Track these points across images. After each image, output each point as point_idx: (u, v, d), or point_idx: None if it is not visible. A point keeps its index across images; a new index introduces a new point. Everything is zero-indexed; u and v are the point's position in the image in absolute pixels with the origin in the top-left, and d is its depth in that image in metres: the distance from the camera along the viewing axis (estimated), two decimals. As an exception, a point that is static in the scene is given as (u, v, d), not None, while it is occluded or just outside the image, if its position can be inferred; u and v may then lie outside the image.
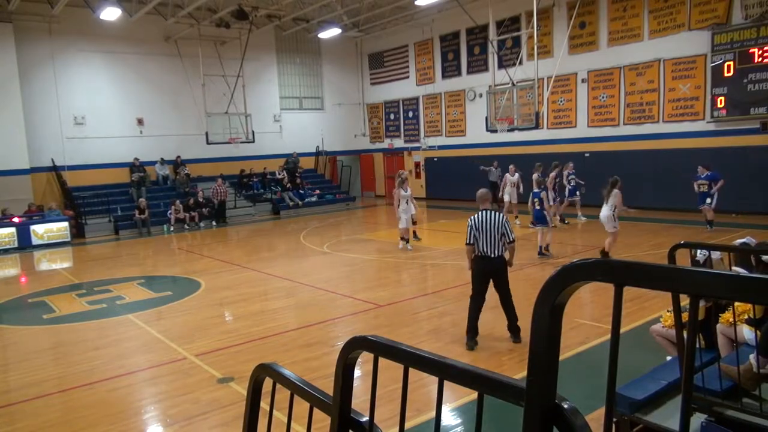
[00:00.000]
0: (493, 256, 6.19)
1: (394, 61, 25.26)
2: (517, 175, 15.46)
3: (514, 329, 6.43)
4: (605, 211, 10.50)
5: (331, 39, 24.08)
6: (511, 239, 6.22)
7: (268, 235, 17.52)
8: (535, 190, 11.35)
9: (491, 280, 6.35)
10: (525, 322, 6.39)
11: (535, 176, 12.38)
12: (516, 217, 15.48)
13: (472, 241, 6.24)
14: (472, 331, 6.37)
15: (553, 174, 14.19)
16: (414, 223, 13.24)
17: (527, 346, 0.97)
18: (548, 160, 19.27)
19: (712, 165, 13.31)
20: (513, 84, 16.17)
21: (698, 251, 4.55)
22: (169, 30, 20.67)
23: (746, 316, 4.04)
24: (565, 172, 15.48)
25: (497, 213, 6.30)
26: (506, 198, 15.53)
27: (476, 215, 6.28)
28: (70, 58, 19.36)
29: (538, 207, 11.07)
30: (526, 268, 10.45)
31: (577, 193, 15.54)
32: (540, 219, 11.08)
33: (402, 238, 12.77)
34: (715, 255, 4.65)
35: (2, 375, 6.43)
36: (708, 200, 12.82)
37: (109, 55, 20.09)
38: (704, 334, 4.14)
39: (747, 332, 3.96)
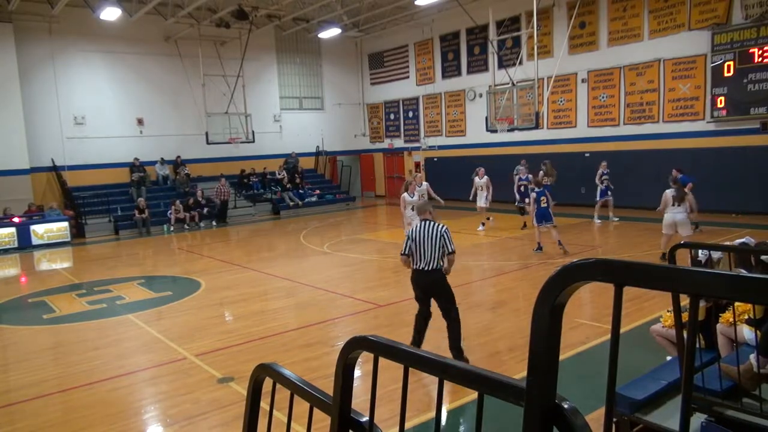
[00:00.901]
0: (429, 269, 5.82)
1: (394, 61, 25.26)
2: (486, 178, 14.93)
3: (454, 348, 5.85)
4: (682, 214, 10.07)
5: (331, 39, 24.08)
6: (451, 250, 5.90)
7: (268, 235, 17.52)
8: (538, 189, 11.51)
9: (431, 295, 5.99)
10: (525, 322, 6.39)
11: (540, 174, 12.80)
12: (489, 218, 15.37)
13: (406, 252, 5.86)
14: (416, 345, 5.96)
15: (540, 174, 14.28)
16: None
17: (527, 346, 0.97)
18: (547, 161, 19.33)
19: (683, 168, 13.38)
20: (513, 84, 16.17)
21: (699, 251, 4.55)
22: (169, 30, 20.67)
23: (746, 316, 4.04)
24: (599, 171, 15.11)
25: (437, 224, 5.95)
26: (480, 203, 15.01)
27: (414, 226, 5.98)
28: (70, 58, 19.36)
29: (544, 205, 11.25)
30: (526, 268, 10.45)
31: (609, 193, 14.96)
32: (546, 217, 11.26)
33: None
34: (716, 255, 4.65)
35: (2, 375, 6.43)
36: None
37: (109, 55, 20.09)
38: (704, 334, 4.14)
39: (747, 332, 3.96)
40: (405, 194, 11.79)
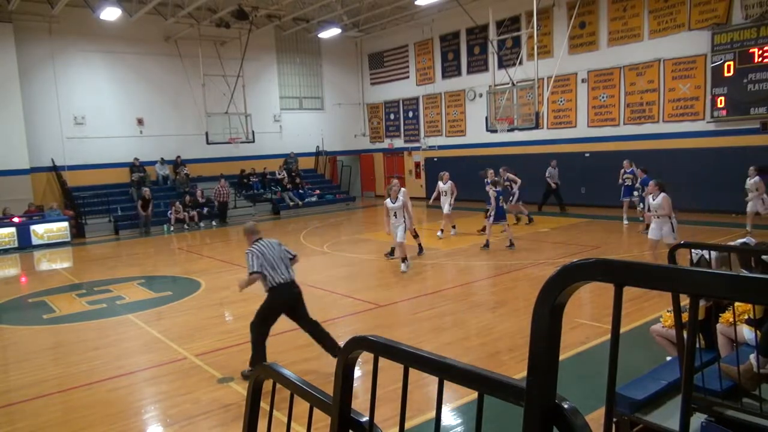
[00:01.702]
0: (290, 281, 5.92)
1: (394, 61, 25.26)
2: (450, 183, 14.17)
3: (336, 348, 5.94)
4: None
5: (331, 39, 24.08)
6: (293, 254, 6.11)
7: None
8: (498, 189, 12.27)
9: (288, 310, 6.00)
10: (525, 322, 6.39)
11: (497, 176, 13.39)
12: (453, 226, 14.63)
13: (258, 270, 5.78)
14: (263, 360, 5.85)
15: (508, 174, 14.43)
16: (415, 236, 12.08)
17: (527, 346, 0.97)
18: (548, 161, 19.36)
19: (648, 169, 13.46)
20: (513, 84, 16.18)
21: (692, 251, 4.53)
22: (169, 30, 20.67)
23: (746, 317, 4.04)
24: (621, 171, 14.66)
25: (270, 239, 6.09)
26: (446, 210, 14.15)
27: (255, 247, 5.92)
28: (70, 58, 19.36)
29: (502, 204, 12.25)
30: (526, 268, 10.45)
31: (635, 193, 14.19)
32: (503, 216, 12.30)
33: (403, 259, 10.72)
34: (713, 254, 4.63)
35: (2, 375, 6.43)
36: (641, 204, 12.88)
37: (109, 55, 20.09)
38: (704, 334, 4.13)
39: (747, 332, 3.96)
40: (387, 200, 11.26)
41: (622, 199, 14.64)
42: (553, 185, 17.46)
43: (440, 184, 14.34)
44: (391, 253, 11.80)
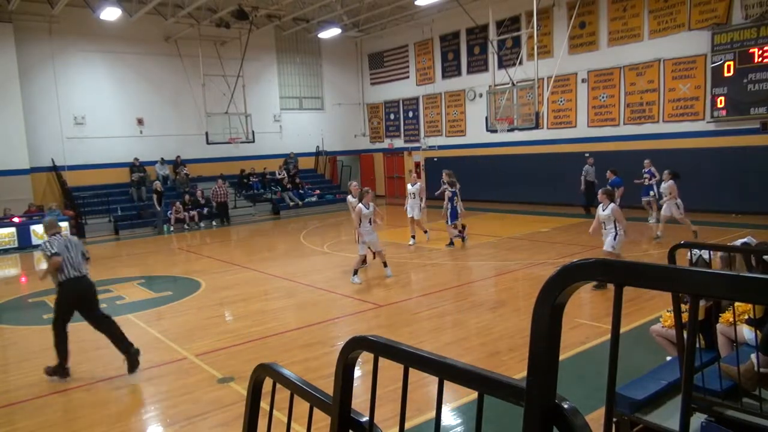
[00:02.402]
0: (81, 275, 6.03)
1: (394, 61, 25.26)
2: (418, 184, 13.55)
3: (130, 346, 6.05)
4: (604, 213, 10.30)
5: (331, 39, 24.08)
6: (88, 256, 6.26)
7: (268, 235, 17.52)
8: (453, 189, 12.69)
9: (81, 304, 6.04)
10: (525, 322, 6.40)
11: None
12: (425, 231, 13.81)
13: (58, 251, 5.85)
14: (66, 361, 6.02)
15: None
16: (376, 255, 10.47)
17: (527, 346, 0.97)
18: (548, 160, 19.37)
19: (618, 171, 13.41)
20: (513, 84, 16.17)
21: (691, 250, 4.52)
22: (169, 30, 20.67)
23: (746, 317, 4.04)
24: (644, 170, 14.40)
25: (70, 236, 6.25)
26: (410, 213, 13.23)
27: (54, 239, 6.00)
28: (70, 58, 19.36)
29: (456, 204, 12.70)
30: (526, 268, 10.45)
31: (652, 192, 14.10)
32: (456, 215, 12.78)
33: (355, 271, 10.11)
34: (719, 255, 4.63)
35: (2, 375, 6.43)
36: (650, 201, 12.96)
37: (109, 55, 20.09)
38: (704, 334, 4.14)
39: (747, 332, 3.96)
40: (360, 205, 10.02)
41: (644, 198, 14.45)
42: (590, 183, 16.35)
43: (408, 186, 13.54)
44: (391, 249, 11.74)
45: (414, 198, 13.22)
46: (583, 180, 16.81)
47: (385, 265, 10.24)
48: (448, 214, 12.71)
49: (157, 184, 18.60)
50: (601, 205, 8.62)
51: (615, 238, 8.40)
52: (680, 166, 14.83)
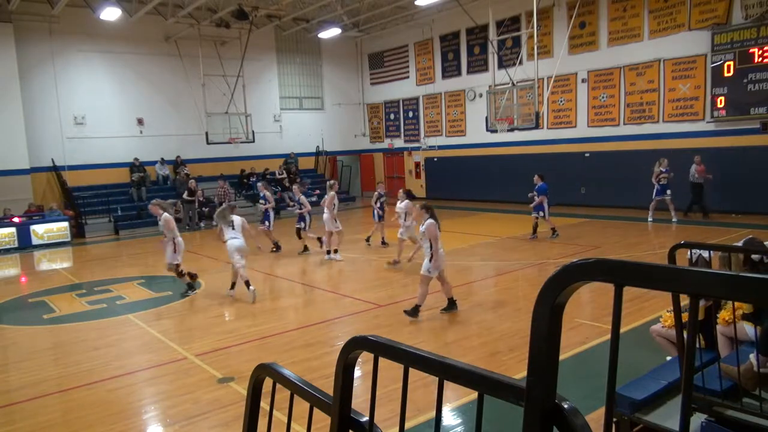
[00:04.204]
0: None
1: (394, 61, 25.26)
2: (406, 202, 11.15)
3: None
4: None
5: (331, 39, 24.08)
6: None
7: (268, 235, 17.47)
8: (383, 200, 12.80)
9: None
10: (525, 322, 6.39)
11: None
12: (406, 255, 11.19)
13: None
14: None
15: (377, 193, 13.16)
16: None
17: (527, 346, 0.97)
18: (548, 160, 19.36)
19: (545, 176, 13.31)
20: (513, 84, 16.17)
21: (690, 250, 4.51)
22: (169, 30, 20.67)
23: (742, 313, 4.04)
24: (657, 169, 14.31)
25: None
26: (401, 233, 11.23)
27: None
28: (70, 58, 19.36)
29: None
30: (526, 268, 10.45)
31: (668, 192, 14.14)
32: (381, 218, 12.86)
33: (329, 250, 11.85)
34: (704, 254, 4.61)
35: (2, 375, 6.43)
36: (540, 212, 12.90)
37: (109, 55, 20.09)
38: (704, 334, 4.14)
39: (748, 328, 3.96)
40: (326, 215, 11.76)
41: (655, 198, 14.42)
42: (695, 185, 14.92)
43: (333, 195, 12.21)
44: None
45: (404, 219, 11.19)
46: (696, 181, 14.96)
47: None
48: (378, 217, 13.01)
49: (193, 183, 18.93)
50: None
51: (431, 261, 7.33)
52: (680, 167, 14.90)
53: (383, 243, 13.24)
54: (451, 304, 7.78)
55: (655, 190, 14.43)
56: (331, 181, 12.78)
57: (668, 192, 14.24)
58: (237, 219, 9.34)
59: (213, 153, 21.83)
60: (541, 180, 12.94)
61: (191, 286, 9.73)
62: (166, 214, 9.35)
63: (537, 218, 13.01)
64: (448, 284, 7.82)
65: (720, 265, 4.48)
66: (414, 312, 7.54)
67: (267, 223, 13.16)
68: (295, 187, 13.62)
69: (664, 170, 14.27)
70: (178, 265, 9.54)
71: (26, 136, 18.24)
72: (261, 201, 13.52)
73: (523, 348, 6.19)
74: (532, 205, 13.05)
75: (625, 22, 17.20)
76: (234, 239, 9.06)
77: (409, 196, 11.65)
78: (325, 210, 11.99)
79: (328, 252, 12.03)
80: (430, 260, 7.37)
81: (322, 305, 8.70)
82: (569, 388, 4.81)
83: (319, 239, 12.75)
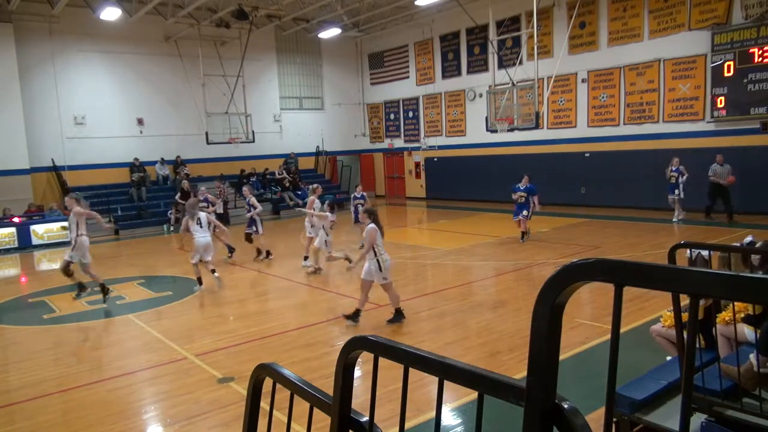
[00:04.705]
0: None
1: (394, 61, 25.26)
2: (318, 205, 11.14)
3: None
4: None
5: (331, 39, 24.08)
6: None
7: (268, 235, 17.45)
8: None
9: None
10: (525, 322, 6.39)
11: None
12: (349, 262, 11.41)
13: None
14: None
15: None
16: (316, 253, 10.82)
17: (527, 346, 0.97)
18: (548, 160, 19.36)
19: (533, 176, 13.22)
20: (513, 84, 16.17)
21: (687, 250, 4.51)
22: (169, 30, 20.67)
23: (743, 315, 4.04)
24: (669, 168, 14.35)
25: None
26: (318, 243, 10.84)
27: None
28: (70, 58, 19.36)
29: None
30: (526, 268, 10.45)
31: (676, 191, 14.21)
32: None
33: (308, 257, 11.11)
34: (704, 254, 4.61)
35: (2, 375, 6.43)
36: (524, 212, 12.68)
37: (109, 55, 20.10)
38: (704, 334, 4.14)
39: (747, 331, 3.96)
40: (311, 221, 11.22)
41: (671, 196, 14.44)
42: (722, 184, 14.16)
43: (313, 199, 11.28)
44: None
45: (310, 220, 11.25)
46: (716, 180, 14.25)
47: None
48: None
49: (227, 186, 18.86)
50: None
51: (380, 267, 7.11)
52: (531, 173, 14.64)
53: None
54: (398, 315, 7.38)
55: (670, 188, 14.52)
56: (314, 185, 11.88)
57: (676, 192, 14.28)
58: (203, 215, 9.70)
59: (213, 153, 21.83)
60: (530, 181, 12.84)
61: (82, 287, 9.46)
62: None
63: (521, 220, 12.78)
64: (396, 294, 7.44)
65: (720, 265, 4.48)
66: (354, 317, 7.32)
67: (254, 228, 12.29)
68: (245, 188, 13.08)
69: (674, 170, 14.32)
70: (69, 263, 9.25)
71: (26, 136, 18.25)
72: (247, 206, 12.66)
73: (523, 348, 6.19)
74: (518, 203, 12.80)
75: (625, 22, 17.20)
76: (202, 237, 9.57)
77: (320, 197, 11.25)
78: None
79: (305, 258, 11.49)
80: (380, 268, 7.13)
81: (322, 305, 8.70)
82: (569, 388, 4.82)
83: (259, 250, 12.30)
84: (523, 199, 12.68)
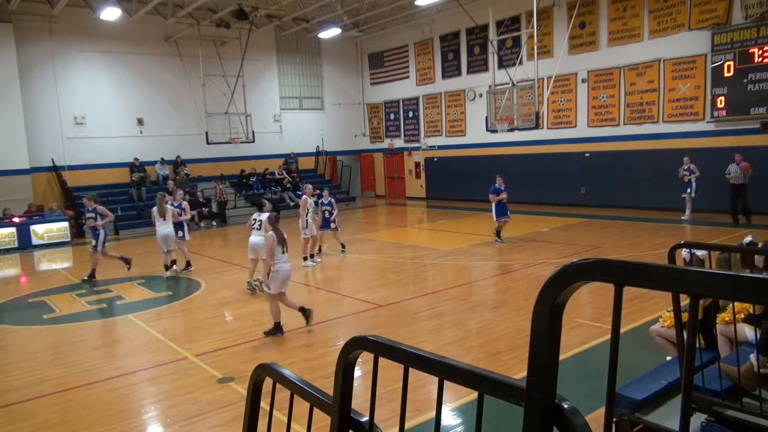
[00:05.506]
0: None
1: (394, 61, 25.26)
2: (312, 200, 11.78)
3: None
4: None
5: (331, 39, 24.08)
6: None
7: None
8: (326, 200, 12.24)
9: None
10: (525, 322, 6.39)
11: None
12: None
13: None
14: None
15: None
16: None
17: (527, 346, 0.97)
18: (548, 160, 19.37)
19: (506, 177, 13.28)
20: (513, 84, 16.17)
21: (683, 251, 4.51)
22: (169, 30, 20.67)
23: (743, 315, 4.04)
24: (680, 168, 14.52)
25: None
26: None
27: None
28: (70, 58, 19.36)
29: (327, 216, 12.15)
30: (526, 268, 10.45)
31: (688, 190, 14.42)
32: (328, 224, 12.21)
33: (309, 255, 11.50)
34: (700, 253, 4.61)
35: (2, 375, 6.43)
36: (508, 212, 12.99)
37: (109, 55, 20.09)
38: (704, 334, 4.14)
39: (748, 332, 3.96)
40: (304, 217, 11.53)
41: (684, 195, 14.65)
42: (737, 186, 13.82)
43: (306, 198, 11.69)
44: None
45: (308, 214, 11.57)
46: (734, 182, 13.84)
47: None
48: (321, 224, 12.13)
49: (171, 183, 18.42)
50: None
51: (269, 275, 7.01)
52: (680, 167, 14.89)
53: (319, 250, 12.44)
54: (276, 329, 7.07)
55: (683, 186, 14.72)
56: (308, 186, 12.15)
57: (688, 190, 14.53)
58: (169, 208, 10.78)
59: (213, 153, 21.83)
60: (504, 183, 12.94)
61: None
62: None
63: (505, 220, 12.97)
64: (277, 309, 7.10)
65: (718, 265, 4.48)
66: (274, 331, 7.07)
67: (181, 233, 11.62)
68: (179, 192, 12.69)
69: (686, 169, 14.49)
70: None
71: (26, 136, 18.24)
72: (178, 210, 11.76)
73: (523, 348, 6.19)
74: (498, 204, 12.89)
75: (625, 22, 17.20)
76: (160, 228, 10.73)
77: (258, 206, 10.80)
78: (301, 214, 11.58)
79: (305, 258, 11.53)
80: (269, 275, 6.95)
81: (322, 305, 8.70)
82: (569, 388, 4.82)
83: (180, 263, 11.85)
84: (506, 198, 12.89)
